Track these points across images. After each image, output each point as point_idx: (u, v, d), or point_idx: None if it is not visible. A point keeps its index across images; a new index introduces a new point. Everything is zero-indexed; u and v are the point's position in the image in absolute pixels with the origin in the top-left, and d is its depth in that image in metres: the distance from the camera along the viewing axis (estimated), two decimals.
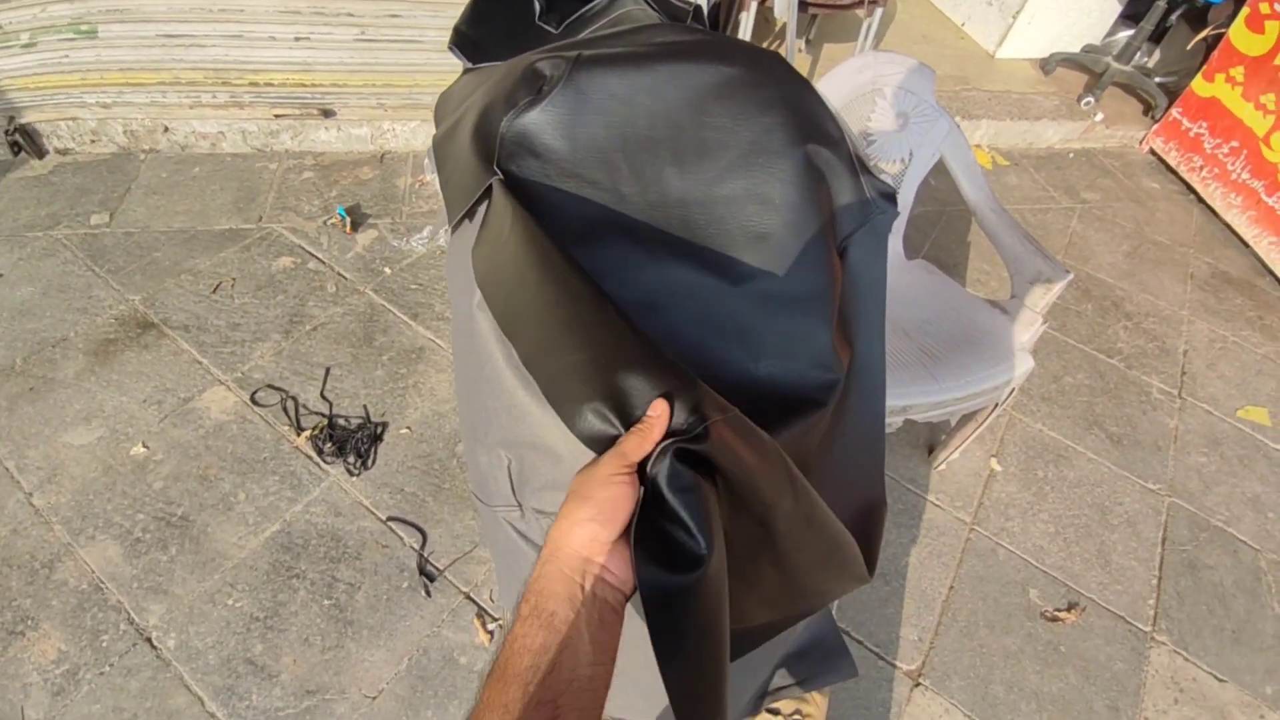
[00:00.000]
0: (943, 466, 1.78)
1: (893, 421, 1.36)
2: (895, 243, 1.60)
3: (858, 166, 0.98)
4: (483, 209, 0.82)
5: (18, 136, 2.10)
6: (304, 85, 2.22)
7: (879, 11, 2.44)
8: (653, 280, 0.84)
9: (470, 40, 1.22)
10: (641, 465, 0.48)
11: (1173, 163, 3.06)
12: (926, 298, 1.45)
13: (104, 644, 1.34)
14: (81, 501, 1.52)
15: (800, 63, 2.83)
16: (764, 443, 0.55)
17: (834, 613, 1.28)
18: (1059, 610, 1.54)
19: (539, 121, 0.81)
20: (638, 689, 0.95)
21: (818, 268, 0.88)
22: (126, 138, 2.24)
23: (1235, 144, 2.76)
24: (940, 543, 1.64)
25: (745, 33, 2.38)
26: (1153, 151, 3.16)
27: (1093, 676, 1.46)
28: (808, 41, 2.91)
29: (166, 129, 2.24)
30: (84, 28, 2.01)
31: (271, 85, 2.20)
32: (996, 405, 1.41)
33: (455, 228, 0.91)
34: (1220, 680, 1.51)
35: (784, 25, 2.42)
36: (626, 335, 0.59)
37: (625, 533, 0.45)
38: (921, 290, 1.54)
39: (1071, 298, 2.35)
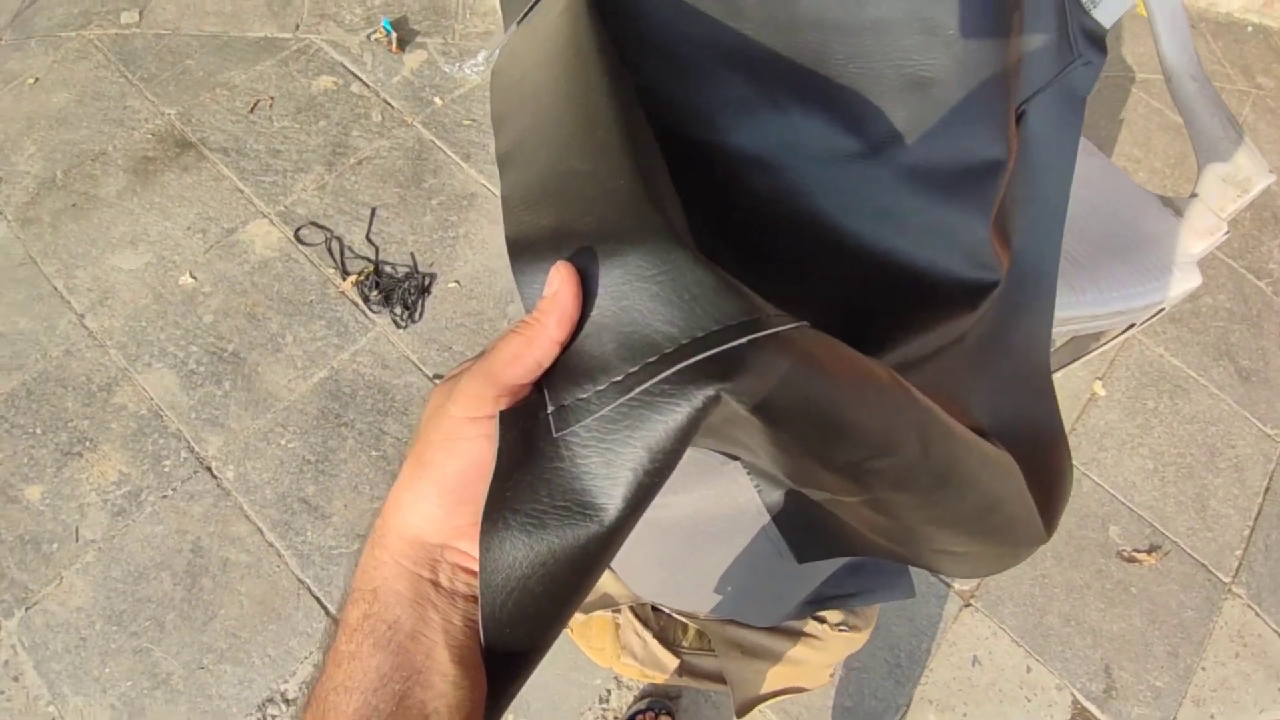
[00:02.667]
0: None
1: None
2: None
3: None
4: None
5: None
6: None
7: None
8: (768, 132, 0.62)
9: None
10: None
11: None
12: (1080, 186, 1.18)
13: (166, 469, 1.38)
14: (135, 328, 1.50)
15: None
16: (866, 369, 0.35)
17: None
18: (1138, 551, 1.43)
19: None
20: (664, 567, 0.89)
21: (990, 135, 0.62)
22: None
23: None
24: None
25: None
26: None
27: (1159, 621, 1.39)
28: None
29: None
30: None
31: None
32: (1133, 325, 1.19)
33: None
34: None
35: None
36: (653, 165, 0.37)
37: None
38: (1075, 177, 1.26)
39: None
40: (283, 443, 1.42)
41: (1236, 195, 1.07)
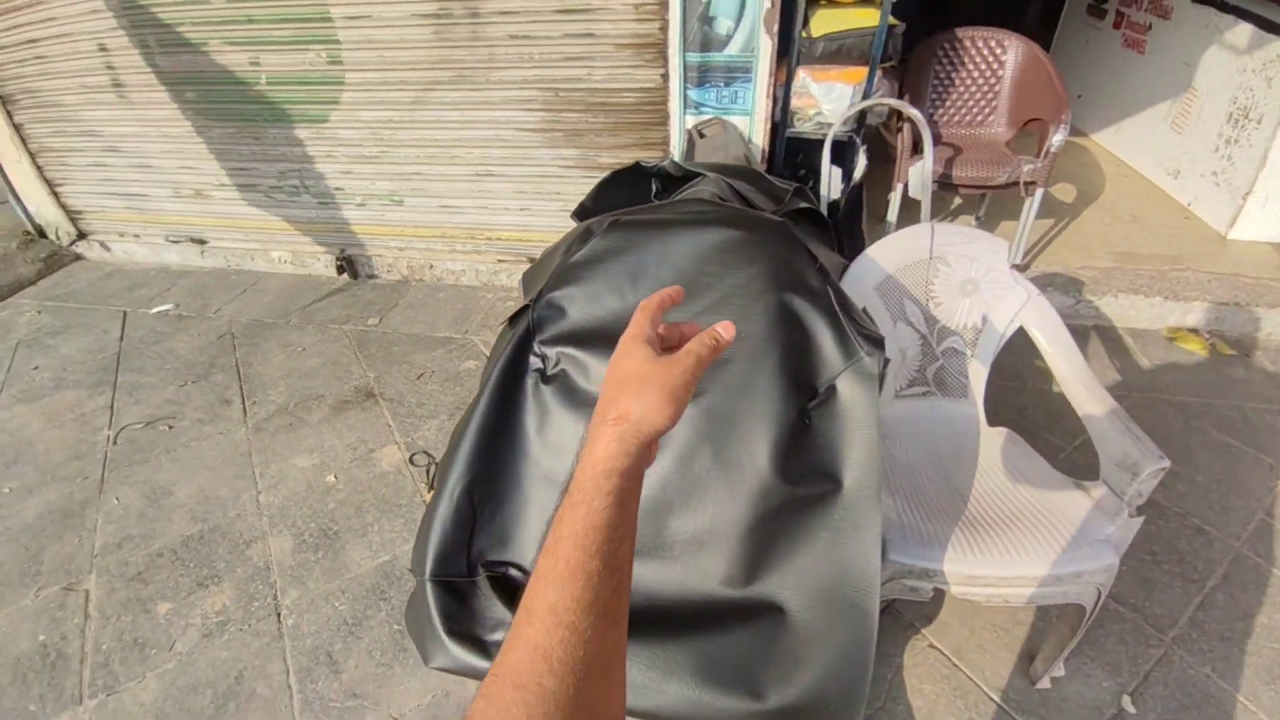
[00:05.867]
0: (1045, 683, 1.49)
1: (918, 586, 1.27)
2: (962, 404, 1.54)
3: (841, 315, 1.13)
4: None
5: (343, 262, 3.14)
6: (521, 240, 2.95)
7: (1039, 192, 2.43)
8: None
9: (590, 212, 1.69)
10: None
11: None
12: (997, 467, 1.36)
13: (254, 609, 1.79)
14: (286, 505, 2.09)
15: None
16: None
17: None
18: None
19: (577, 260, 1.17)
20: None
21: (766, 396, 1.06)
22: (406, 270, 3.19)
23: None
24: None
25: (893, 212, 2.55)
26: None
27: None
28: (978, 219, 2.94)
29: (431, 266, 3.13)
30: (396, 198, 3.02)
31: (500, 239, 2.98)
32: (1089, 612, 1.20)
33: None
34: None
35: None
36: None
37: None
38: (995, 458, 1.44)
39: None
40: (335, 605, 1.79)
41: (1130, 479, 1.20)
